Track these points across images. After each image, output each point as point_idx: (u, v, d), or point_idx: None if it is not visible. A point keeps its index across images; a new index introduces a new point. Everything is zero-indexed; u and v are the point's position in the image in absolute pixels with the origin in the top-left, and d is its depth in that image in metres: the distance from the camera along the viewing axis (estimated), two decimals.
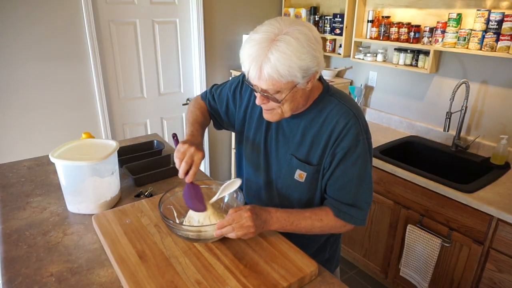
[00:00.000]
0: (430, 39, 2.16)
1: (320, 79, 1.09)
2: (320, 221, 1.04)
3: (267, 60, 0.87)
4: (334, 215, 1.05)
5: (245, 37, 2.89)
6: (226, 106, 1.24)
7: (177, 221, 1.09)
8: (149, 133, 2.86)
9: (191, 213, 1.08)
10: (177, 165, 1.02)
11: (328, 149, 1.03)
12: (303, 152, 1.08)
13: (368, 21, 2.49)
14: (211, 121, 1.33)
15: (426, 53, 2.23)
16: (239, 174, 1.33)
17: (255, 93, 0.99)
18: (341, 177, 1.04)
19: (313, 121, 1.06)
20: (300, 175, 1.09)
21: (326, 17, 2.79)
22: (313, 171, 1.07)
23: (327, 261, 1.28)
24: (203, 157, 1.04)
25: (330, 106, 1.04)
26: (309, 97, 1.04)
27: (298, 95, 0.97)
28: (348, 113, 1.02)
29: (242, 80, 1.21)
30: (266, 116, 1.04)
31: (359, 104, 2.68)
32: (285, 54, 0.86)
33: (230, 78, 3.15)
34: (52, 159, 1.15)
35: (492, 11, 1.85)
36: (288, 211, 1.04)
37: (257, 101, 0.99)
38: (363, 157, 1.03)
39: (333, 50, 2.87)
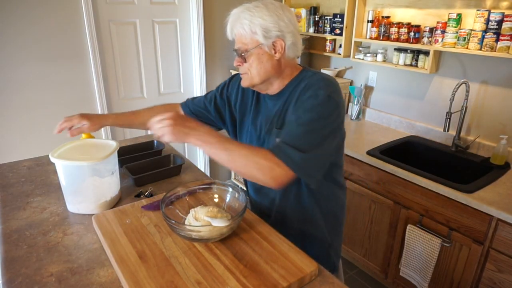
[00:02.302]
0: (430, 39, 2.16)
1: (301, 65, 1.19)
2: (247, 149, 1.01)
3: (238, 18, 1.07)
4: (270, 151, 1.00)
5: None
6: (214, 104, 1.36)
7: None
8: (149, 133, 2.86)
9: (191, 213, 1.08)
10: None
11: (294, 105, 1.09)
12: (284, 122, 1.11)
13: (368, 21, 2.49)
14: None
15: (426, 53, 2.23)
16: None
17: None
18: (293, 122, 1.03)
19: (291, 94, 1.12)
20: None
21: (326, 17, 2.79)
22: None
23: (330, 246, 1.27)
24: (88, 126, 1.32)
25: (305, 79, 1.11)
26: (282, 72, 1.12)
27: (264, 59, 1.08)
28: (319, 78, 1.09)
29: (227, 82, 1.35)
30: (241, 82, 1.17)
31: (359, 104, 2.69)
32: (250, 12, 1.05)
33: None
34: (52, 159, 1.15)
35: (492, 11, 1.85)
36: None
37: (234, 63, 1.13)
38: (320, 111, 1.01)
39: (333, 50, 2.87)
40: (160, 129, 0.97)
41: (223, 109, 1.34)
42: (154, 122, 0.98)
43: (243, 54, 1.08)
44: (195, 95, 2.98)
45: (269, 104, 1.19)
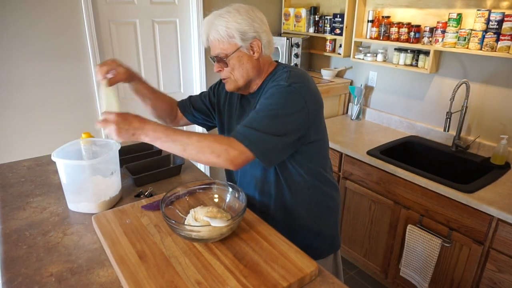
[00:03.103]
0: (430, 39, 2.16)
1: (276, 61, 1.24)
2: (198, 136, 1.01)
3: (213, 25, 1.10)
4: (223, 135, 1.06)
5: None
6: (209, 100, 1.39)
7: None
8: None
9: (191, 214, 1.08)
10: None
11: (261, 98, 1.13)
12: None
13: (368, 21, 2.49)
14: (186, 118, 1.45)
15: (426, 53, 2.23)
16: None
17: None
18: (254, 110, 1.09)
19: (264, 89, 1.16)
20: None
21: (326, 17, 2.79)
22: None
23: (318, 233, 1.28)
24: (122, 75, 1.21)
25: (277, 73, 1.16)
26: (261, 70, 1.17)
27: (245, 60, 1.13)
28: (286, 70, 1.13)
29: (219, 82, 1.36)
30: (225, 86, 1.20)
31: (359, 104, 2.69)
32: (224, 18, 1.08)
33: None
34: (53, 158, 1.15)
35: (492, 11, 1.85)
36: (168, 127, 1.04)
37: (215, 69, 1.17)
38: (279, 97, 1.06)
39: (333, 50, 2.87)
40: (106, 129, 0.99)
41: (215, 106, 1.38)
42: (99, 122, 0.99)
43: (224, 59, 1.12)
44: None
45: (251, 102, 1.23)
